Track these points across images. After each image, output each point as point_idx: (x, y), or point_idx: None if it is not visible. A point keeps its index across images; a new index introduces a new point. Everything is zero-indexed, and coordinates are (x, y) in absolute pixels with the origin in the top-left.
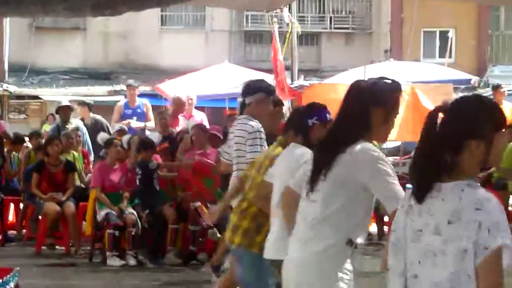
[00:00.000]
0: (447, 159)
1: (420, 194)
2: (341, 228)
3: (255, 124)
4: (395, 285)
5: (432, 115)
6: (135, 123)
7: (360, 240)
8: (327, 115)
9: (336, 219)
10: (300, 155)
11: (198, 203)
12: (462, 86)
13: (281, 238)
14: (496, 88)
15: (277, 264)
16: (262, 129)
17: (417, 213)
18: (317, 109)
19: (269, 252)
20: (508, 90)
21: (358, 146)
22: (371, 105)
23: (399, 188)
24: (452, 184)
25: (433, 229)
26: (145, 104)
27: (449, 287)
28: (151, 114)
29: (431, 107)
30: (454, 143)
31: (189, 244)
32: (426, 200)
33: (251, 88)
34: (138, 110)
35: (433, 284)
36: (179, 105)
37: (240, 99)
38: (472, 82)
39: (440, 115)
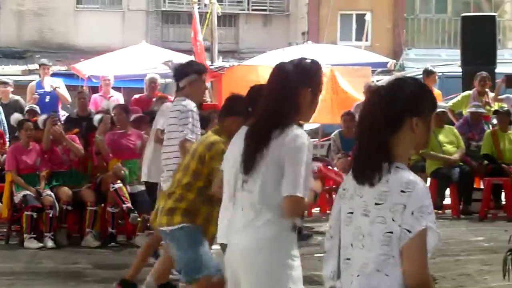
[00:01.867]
0: (386, 140)
1: (357, 177)
2: (278, 212)
3: (188, 103)
4: (328, 268)
5: (370, 97)
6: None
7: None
8: None
9: (278, 206)
10: None
11: (119, 185)
12: (379, 69)
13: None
14: (428, 74)
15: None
16: (195, 109)
17: (350, 196)
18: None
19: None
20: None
21: (291, 133)
22: (299, 87)
23: (303, 179)
24: (382, 166)
25: (363, 210)
26: (58, 83)
27: (374, 268)
28: (65, 90)
29: (349, 89)
30: (395, 121)
31: (108, 226)
32: (359, 183)
33: (182, 71)
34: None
35: (361, 266)
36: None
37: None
38: (388, 65)
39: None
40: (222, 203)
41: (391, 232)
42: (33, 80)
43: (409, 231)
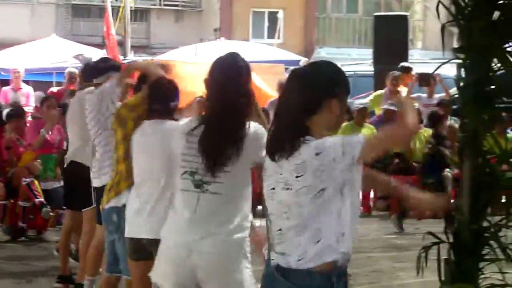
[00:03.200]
0: (304, 122)
1: (272, 155)
2: (245, 212)
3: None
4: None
5: (288, 83)
6: None
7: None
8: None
9: (240, 205)
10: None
11: (31, 179)
12: (291, 67)
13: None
14: (406, 70)
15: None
16: None
17: (269, 173)
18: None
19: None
20: None
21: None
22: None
23: None
24: (294, 142)
25: (283, 185)
26: None
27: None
28: None
29: (263, 86)
30: (314, 104)
31: (19, 221)
32: (277, 161)
33: (99, 68)
34: None
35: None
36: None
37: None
38: (300, 63)
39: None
40: (134, 192)
41: (324, 189)
42: None
43: (353, 157)
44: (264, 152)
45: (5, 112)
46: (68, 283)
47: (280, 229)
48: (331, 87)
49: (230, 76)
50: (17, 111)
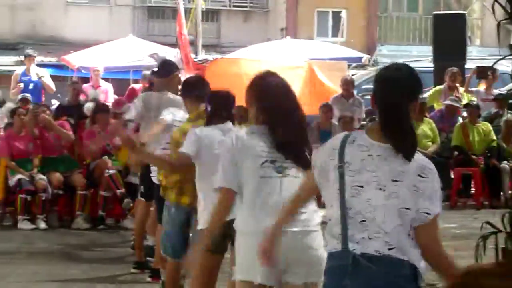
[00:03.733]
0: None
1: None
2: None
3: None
4: (335, 230)
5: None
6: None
7: None
8: None
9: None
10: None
11: (114, 171)
12: (354, 64)
13: None
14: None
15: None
16: None
17: (356, 168)
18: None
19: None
20: None
21: None
22: None
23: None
24: (391, 146)
25: (376, 185)
26: (39, 73)
27: (396, 240)
28: (49, 79)
29: (327, 82)
30: (406, 107)
31: (99, 209)
32: (366, 159)
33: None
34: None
35: (381, 233)
36: None
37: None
38: (362, 60)
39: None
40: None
41: (407, 209)
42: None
43: (427, 213)
44: None
45: (86, 106)
46: (144, 269)
47: (364, 220)
48: (418, 90)
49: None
50: (104, 106)
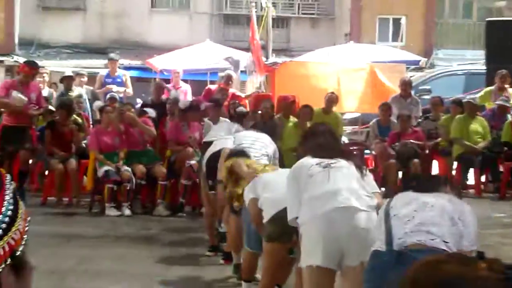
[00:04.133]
0: None
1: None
2: None
3: None
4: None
5: None
6: (116, 88)
7: None
8: None
9: None
10: None
11: (194, 161)
12: (412, 66)
13: None
14: None
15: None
16: None
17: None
18: None
19: None
20: (449, 71)
21: None
22: None
23: None
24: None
25: (433, 206)
26: (124, 74)
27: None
28: (129, 83)
29: (387, 83)
30: None
31: (179, 197)
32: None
33: None
34: (118, 80)
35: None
36: None
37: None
38: (420, 63)
39: None
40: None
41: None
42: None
43: (472, 245)
44: None
45: (182, 102)
46: (217, 252)
47: (420, 222)
48: None
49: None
50: (195, 104)
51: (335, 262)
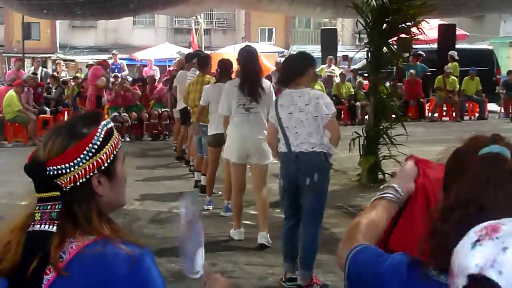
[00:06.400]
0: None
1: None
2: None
3: None
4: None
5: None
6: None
7: None
8: None
9: (264, 121)
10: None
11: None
12: (280, 55)
13: None
14: None
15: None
16: None
17: (286, 106)
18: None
19: None
20: None
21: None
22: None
23: None
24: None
25: (298, 110)
26: (122, 62)
27: (315, 135)
28: (126, 67)
29: (268, 64)
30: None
31: (155, 131)
32: (291, 96)
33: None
34: (118, 66)
35: (307, 134)
36: None
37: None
38: (284, 53)
39: None
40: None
41: (316, 117)
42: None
43: (327, 114)
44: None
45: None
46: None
47: (297, 132)
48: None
49: (253, 58)
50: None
51: (244, 159)
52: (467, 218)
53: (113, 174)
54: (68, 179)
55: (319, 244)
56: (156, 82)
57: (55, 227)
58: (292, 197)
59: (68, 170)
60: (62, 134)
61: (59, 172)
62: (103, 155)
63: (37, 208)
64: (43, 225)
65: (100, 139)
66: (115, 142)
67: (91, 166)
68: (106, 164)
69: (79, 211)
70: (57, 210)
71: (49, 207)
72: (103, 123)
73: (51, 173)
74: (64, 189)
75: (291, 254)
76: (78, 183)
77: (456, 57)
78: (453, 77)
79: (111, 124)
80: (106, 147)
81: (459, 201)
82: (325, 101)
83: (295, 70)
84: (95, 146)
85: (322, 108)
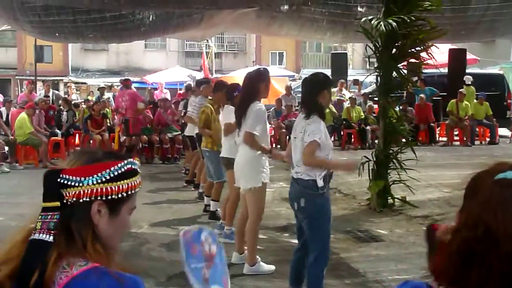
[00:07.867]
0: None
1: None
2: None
3: None
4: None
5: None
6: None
7: None
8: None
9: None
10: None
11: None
12: (291, 78)
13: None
14: None
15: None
16: None
17: (294, 130)
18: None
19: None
20: None
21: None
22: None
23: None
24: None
25: (295, 135)
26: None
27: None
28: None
29: (278, 87)
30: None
31: (166, 154)
32: (297, 121)
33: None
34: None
35: (298, 160)
36: None
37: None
38: (295, 76)
39: None
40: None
41: (303, 144)
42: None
43: (305, 142)
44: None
45: None
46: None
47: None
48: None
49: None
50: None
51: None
52: (473, 240)
53: (116, 212)
54: (73, 193)
55: (322, 271)
56: None
57: (51, 237)
58: (298, 219)
59: (76, 184)
60: (89, 154)
61: (69, 183)
62: (114, 187)
63: (39, 218)
64: (41, 234)
65: (119, 171)
66: (132, 184)
67: (98, 190)
68: (113, 196)
69: (75, 229)
70: (55, 220)
71: (49, 217)
72: (130, 159)
73: (62, 181)
74: (66, 201)
75: (294, 278)
76: (80, 200)
77: (469, 82)
78: (466, 103)
79: (137, 166)
80: (122, 182)
81: (468, 222)
82: (311, 129)
83: (302, 97)
84: (111, 175)
85: (306, 135)
